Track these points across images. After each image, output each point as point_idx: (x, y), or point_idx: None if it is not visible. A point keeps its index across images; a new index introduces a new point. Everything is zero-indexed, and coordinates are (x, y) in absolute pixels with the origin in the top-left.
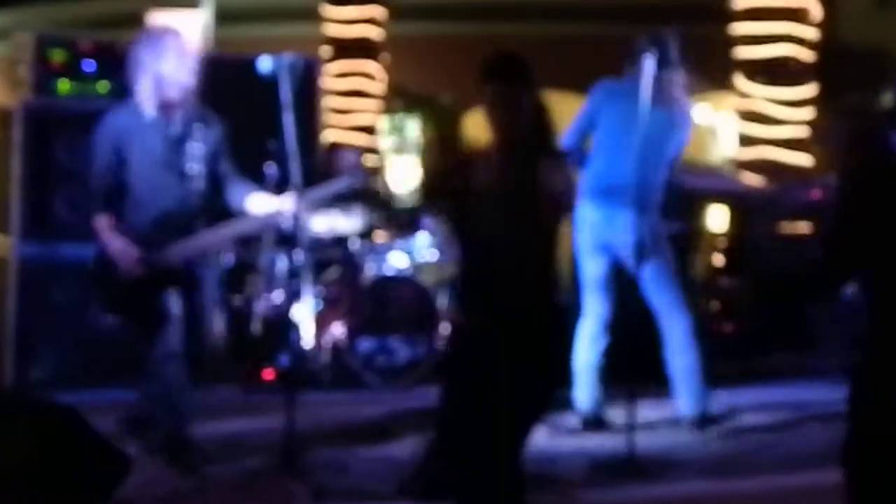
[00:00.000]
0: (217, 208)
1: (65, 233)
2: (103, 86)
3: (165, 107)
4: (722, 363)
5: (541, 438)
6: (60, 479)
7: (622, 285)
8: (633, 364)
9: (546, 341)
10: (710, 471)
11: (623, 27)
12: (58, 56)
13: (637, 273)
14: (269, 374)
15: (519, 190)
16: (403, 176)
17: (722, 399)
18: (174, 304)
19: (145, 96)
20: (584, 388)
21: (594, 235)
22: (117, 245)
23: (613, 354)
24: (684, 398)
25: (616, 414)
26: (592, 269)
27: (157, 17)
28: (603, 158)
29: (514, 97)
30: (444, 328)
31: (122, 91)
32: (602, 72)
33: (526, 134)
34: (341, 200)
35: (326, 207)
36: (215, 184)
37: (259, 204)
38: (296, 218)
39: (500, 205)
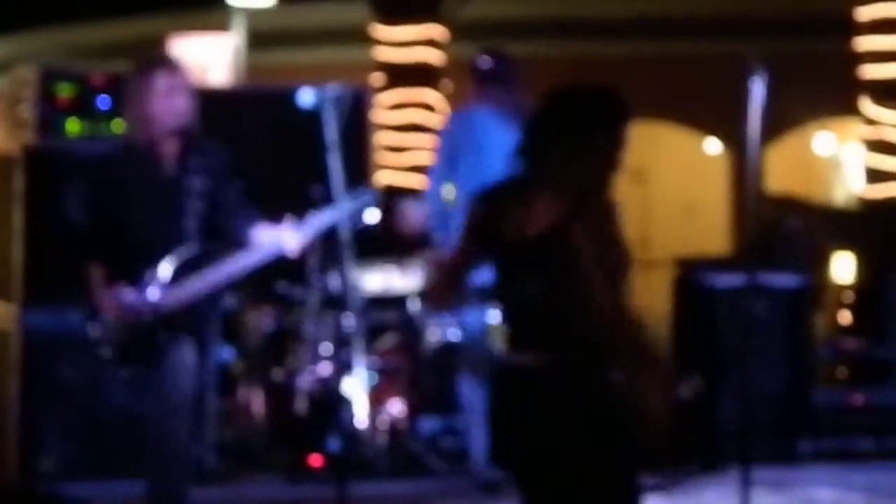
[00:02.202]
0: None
1: (75, 298)
2: (119, 125)
3: (157, 145)
4: (851, 439)
5: None
6: None
7: None
8: None
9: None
10: None
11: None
12: (66, 91)
13: None
14: (316, 460)
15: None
16: None
17: (856, 480)
18: (183, 351)
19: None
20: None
21: None
22: (100, 293)
23: None
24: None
25: None
26: None
27: (180, 42)
28: None
29: None
30: None
31: None
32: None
33: None
34: (397, 254)
35: (381, 263)
36: (218, 218)
37: (265, 237)
38: (343, 277)
39: None
